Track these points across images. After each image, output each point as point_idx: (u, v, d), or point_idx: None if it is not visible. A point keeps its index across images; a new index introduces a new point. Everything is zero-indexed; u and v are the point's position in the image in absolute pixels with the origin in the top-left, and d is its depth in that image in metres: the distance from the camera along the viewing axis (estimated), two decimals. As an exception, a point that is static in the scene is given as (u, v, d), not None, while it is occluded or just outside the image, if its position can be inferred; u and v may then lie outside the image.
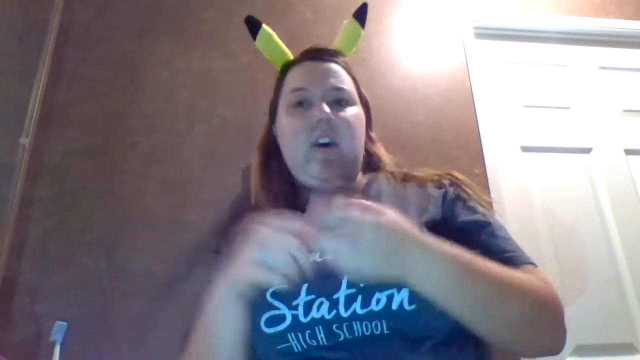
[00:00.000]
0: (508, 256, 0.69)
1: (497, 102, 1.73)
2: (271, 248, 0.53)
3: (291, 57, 0.94)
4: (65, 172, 1.36)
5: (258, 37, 0.98)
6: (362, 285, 0.63)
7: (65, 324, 1.15)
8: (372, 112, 1.59)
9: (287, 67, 0.91)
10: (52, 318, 1.16)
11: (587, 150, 1.70)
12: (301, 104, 0.82)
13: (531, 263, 0.70)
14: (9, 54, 1.47)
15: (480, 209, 0.78)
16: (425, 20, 1.79)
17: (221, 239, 0.88)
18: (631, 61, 1.88)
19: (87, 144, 1.40)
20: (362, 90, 0.90)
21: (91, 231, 1.30)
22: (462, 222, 0.74)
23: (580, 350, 1.41)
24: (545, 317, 0.64)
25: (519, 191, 1.60)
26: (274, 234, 0.53)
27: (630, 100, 1.80)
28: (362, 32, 0.97)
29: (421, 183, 0.82)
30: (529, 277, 0.65)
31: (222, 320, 0.62)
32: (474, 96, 1.67)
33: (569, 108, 1.76)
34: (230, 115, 1.50)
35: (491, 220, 0.75)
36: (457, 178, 0.84)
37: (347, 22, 0.97)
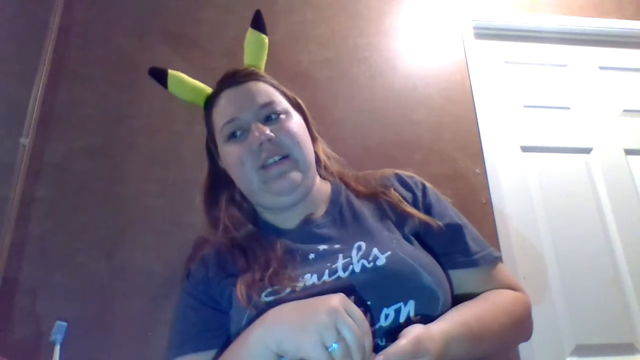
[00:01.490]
0: (480, 257, 0.77)
1: (497, 102, 1.73)
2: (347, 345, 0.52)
3: (208, 90, 0.93)
4: (65, 172, 1.36)
5: (168, 84, 0.94)
6: (369, 302, 0.64)
7: (65, 324, 1.15)
8: (372, 111, 1.60)
9: (209, 102, 0.89)
10: (52, 318, 1.16)
11: (587, 150, 1.70)
12: (237, 134, 0.80)
13: (497, 257, 0.80)
14: (9, 54, 1.47)
15: (451, 211, 0.82)
16: (425, 20, 1.79)
17: (187, 266, 0.87)
18: (631, 61, 1.88)
19: (87, 144, 1.41)
20: (291, 95, 0.88)
21: (91, 231, 1.30)
22: (440, 227, 0.78)
23: (580, 350, 1.41)
24: (524, 327, 0.77)
25: (519, 191, 1.60)
26: (357, 336, 0.53)
27: (630, 100, 1.80)
28: (266, 38, 0.95)
29: (382, 189, 0.83)
30: (506, 298, 0.75)
31: None
32: (474, 96, 1.67)
33: (569, 108, 1.76)
34: (230, 115, 1.50)
35: (460, 222, 0.81)
36: (421, 180, 0.86)
37: (248, 33, 0.96)
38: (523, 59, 1.83)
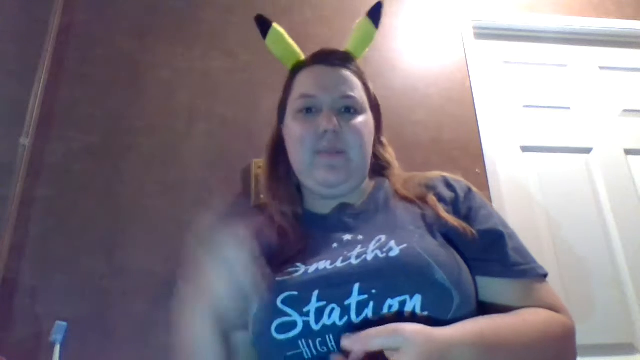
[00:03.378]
0: (520, 270, 0.72)
1: (497, 102, 1.73)
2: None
3: (302, 57, 0.92)
4: (65, 172, 1.36)
5: (268, 36, 0.94)
6: (374, 291, 0.63)
7: (65, 324, 1.15)
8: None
9: (297, 68, 0.89)
10: (52, 318, 1.16)
11: (587, 150, 1.70)
12: (309, 110, 0.81)
13: (541, 275, 0.73)
14: (9, 54, 1.47)
15: (496, 218, 0.78)
16: (425, 20, 1.79)
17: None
18: (631, 61, 1.88)
19: (87, 144, 1.40)
20: (373, 93, 0.89)
21: (91, 231, 1.30)
22: (477, 232, 0.74)
23: (580, 350, 1.39)
24: (560, 350, 0.70)
25: (519, 191, 1.60)
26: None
27: (630, 100, 1.80)
28: (375, 32, 0.96)
29: (425, 188, 0.81)
30: (541, 317, 0.68)
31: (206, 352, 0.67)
32: (474, 96, 1.67)
33: (569, 108, 1.77)
34: (230, 115, 1.50)
35: (503, 231, 0.76)
36: (467, 184, 0.84)
37: (361, 21, 0.94)
38: (523, 59, 1.83)
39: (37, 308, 1.20)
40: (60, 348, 1.12)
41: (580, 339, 1.51)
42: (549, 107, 1.75)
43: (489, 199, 1.52)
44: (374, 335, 0.54)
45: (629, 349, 1.43)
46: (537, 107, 1.75)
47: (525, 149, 1.68)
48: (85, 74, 1.49)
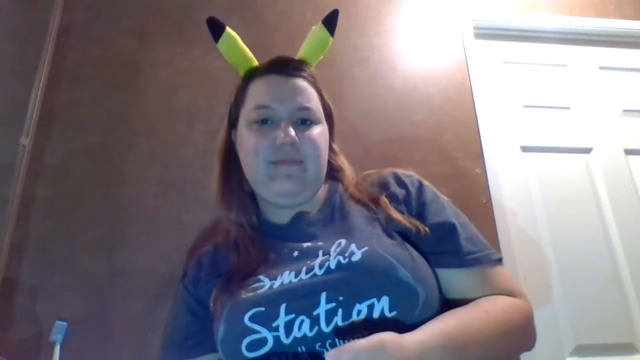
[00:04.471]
0: (473, 258, 0.73)
1: (497, 102, 1.73)
2: None
3: (255, 63, 0.91)
4: (65, 172, 1.36)
5: (221, 40, 0.92)
6: (341, 298, 0.63)
7: (65, 324, 1.15)
8: (372, 111, 1.60)
9: (250, 75, 0.88)
10: (52, 318, 1.16)
11: (587, 150, 1.70)
12: (264, 121, 0.80)
13: (495, 260, 0.75)
14: (10, 54, 1.47)
15: (448, 210, 0.80)
16: (425, 20, 1.79)
17: (186, 265, 0.90)
18: (631, 61, 1.88)
19: (87, 144, 1.40)
20: (327, 101, 0.88)
21: (91, 231, 1.30)
22: (429, 226, 0.76)
23: (580, 350, 1.41)
24: (522, 336, 0.71)
25: (519, 191, 1.60)
26: None
27: (630, 100, 1.80)
28: (331, 40, 0.94)
29: (378, 189, 0.82)
30: (501, 305, 0.69)
31: None
32: (474, 96, 1.67)
33: (569, 108, 1.76)
34: (230, 115, 1.50)
35: (455, 221, 0.77)
36: (418, 178, 0.85)
37: (316, 28, 0.94)
38: (523, 59, 1.83)
39: (37, 308, 1.20)
40: (60, 348, 1.12)
41: (581, 339, 1.52)
42: (549, 107, 1.75)
43: (489, 199, 1.52)
44: (364, 349, 0.53)
45: (629, 349, 1.43)
46: (537, 107, 1.75)
47: (525, 149, 1.68)
48: (85, 74, 1.49)
